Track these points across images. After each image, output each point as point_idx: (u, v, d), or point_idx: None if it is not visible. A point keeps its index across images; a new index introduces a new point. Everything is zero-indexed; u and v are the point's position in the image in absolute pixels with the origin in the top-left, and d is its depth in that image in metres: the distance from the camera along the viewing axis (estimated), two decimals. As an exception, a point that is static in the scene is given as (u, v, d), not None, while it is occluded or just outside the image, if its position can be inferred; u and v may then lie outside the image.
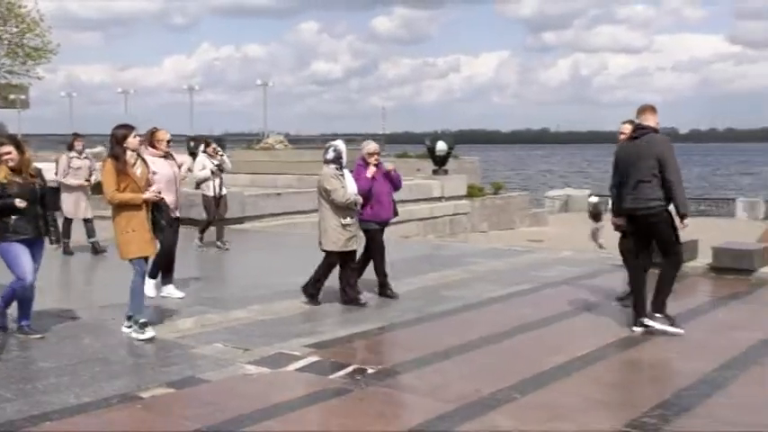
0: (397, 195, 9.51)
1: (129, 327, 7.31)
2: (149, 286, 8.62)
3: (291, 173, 32.73)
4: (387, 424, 5.19)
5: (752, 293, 9.49)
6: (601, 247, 16.39)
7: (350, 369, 6.36)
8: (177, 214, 9.09)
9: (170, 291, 9.17)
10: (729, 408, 5.63)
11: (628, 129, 8.18)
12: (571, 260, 12.38)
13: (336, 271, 8.85)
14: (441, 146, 23.95)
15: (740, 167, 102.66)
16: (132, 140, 7.28)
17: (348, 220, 8.54)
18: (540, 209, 33.31)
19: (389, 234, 9.82)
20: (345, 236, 8.56)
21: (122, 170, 7.16)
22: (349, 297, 8.79)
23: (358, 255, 9.12)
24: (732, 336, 7.58)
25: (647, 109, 7.78)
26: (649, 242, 7.79)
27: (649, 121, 7.71)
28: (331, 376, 6.24)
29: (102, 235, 12.21)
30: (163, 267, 9.09)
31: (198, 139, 24.44)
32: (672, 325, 7.58)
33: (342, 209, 8.51)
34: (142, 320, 7.25)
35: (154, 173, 8.04)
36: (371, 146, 9.28)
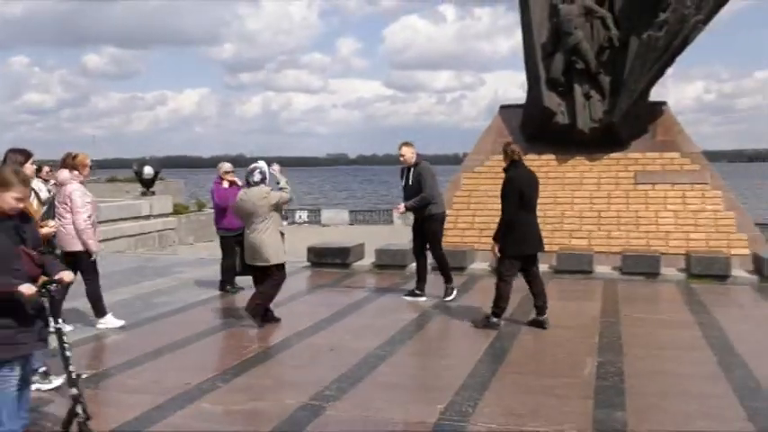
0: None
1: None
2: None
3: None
4: (100, 423, 4.85)
5: (406, 283, 10.27)
6: None
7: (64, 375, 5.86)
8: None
9: (107, 320, 7.75)
10: (390, 375, 6.06)
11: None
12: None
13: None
14: (148, 170, 23.05)
15: (397, 184, 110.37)
16: (29, 166, 5.72)
17: (282, 229, 7.83)
18: (238, 222, 33.20)
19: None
20: (283, 246, 7.76)
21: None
22: (268, 314, 7.90)
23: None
24: (392, 318, 8.16)
25: (410, 144, 9.06)
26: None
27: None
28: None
29: None
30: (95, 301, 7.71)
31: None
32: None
33: (278, 221, 7.76)
34: (42, 369, 5.64)
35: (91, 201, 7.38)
36: (227, 165, 9.83)
